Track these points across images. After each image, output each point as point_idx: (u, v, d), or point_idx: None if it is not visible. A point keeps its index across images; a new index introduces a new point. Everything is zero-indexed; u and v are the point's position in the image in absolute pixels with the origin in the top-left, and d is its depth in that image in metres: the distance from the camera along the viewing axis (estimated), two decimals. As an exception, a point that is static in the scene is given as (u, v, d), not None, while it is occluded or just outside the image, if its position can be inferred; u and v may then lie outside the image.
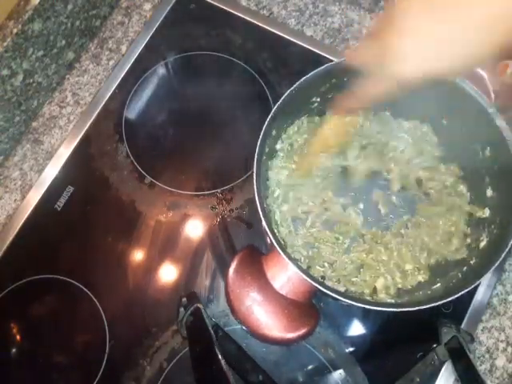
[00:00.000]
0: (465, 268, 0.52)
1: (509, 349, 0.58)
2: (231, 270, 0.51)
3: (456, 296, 0.46)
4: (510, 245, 0.47)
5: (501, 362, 0.57)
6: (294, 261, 0.48)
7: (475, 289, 0.58)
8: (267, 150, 0.55)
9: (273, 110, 0.51)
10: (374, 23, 0.57)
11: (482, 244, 0.53)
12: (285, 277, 0.50)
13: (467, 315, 0.58)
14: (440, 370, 0.56)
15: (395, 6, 0.39)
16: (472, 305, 0.58)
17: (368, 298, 0.54)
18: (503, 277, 0.60)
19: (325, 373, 0.56)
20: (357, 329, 0.59)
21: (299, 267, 0.47)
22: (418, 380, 0.55)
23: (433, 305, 0.46)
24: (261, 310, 0.49)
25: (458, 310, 0.58)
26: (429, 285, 0.54)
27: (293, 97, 0.52)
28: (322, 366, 0.57)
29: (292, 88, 0.52)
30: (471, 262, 0.52)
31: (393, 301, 0.53)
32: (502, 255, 0.46)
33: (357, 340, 0.58)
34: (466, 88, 0.51)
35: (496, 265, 0.46)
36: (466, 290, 0.46)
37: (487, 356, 0.57)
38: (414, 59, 0.38)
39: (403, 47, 0.38)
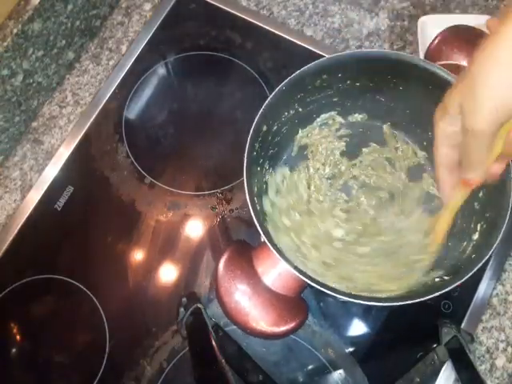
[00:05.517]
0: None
1: (509, 349, 0.57)
2: (221, 264, 0.50)
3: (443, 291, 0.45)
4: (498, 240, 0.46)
5: (501, 361, 0.57)
6: (285, 257, 0.48)
7: (475, 289, 0.58)
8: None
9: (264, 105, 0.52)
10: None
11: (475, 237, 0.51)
12: (274, 271, 0.49)
13: (467, 315, 0.58)
14: (440, 370, 0.55)
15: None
16: (472, 305, 0.58)
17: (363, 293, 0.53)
18: (503, 277, 0.60)
19: (325, 373, 0.56)
20: (357, 329, 0.59)
21: (290, 263, 0.47)
22: (418, 380, 0.55)
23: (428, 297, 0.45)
24: (250, 304, 0.49)
25: (458, 310, 0.58)
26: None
27: (284, 92, 0.53)
28: (322, 365, 0.57)
29: (283, 83, 0.53)
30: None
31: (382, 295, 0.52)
32: (492, 249, 0.45)
33: (357, 340, 0.58)
34: None
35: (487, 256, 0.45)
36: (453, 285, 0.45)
37: (487, 356, 0.57)
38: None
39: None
